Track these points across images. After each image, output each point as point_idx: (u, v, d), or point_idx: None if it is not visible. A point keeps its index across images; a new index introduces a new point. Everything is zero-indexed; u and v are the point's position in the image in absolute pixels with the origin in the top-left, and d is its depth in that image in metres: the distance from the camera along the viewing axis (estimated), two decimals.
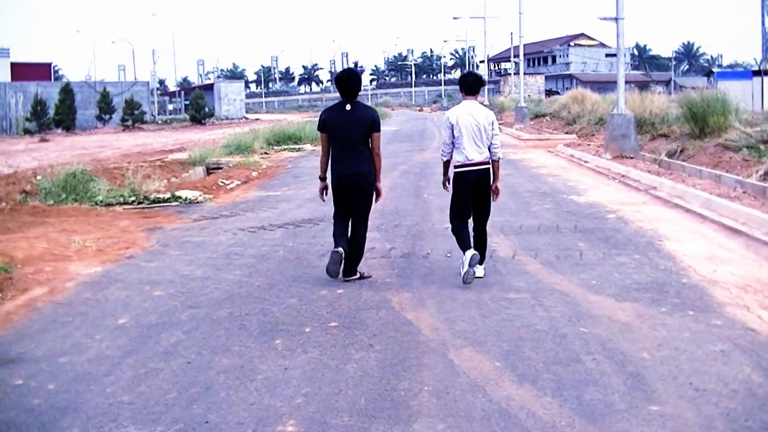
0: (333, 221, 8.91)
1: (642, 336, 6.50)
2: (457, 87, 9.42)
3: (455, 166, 8.61)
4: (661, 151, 19.95)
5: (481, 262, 8.57)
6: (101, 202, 15.07)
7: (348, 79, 8.64)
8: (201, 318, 7.30)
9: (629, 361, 5.90)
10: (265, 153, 27.70)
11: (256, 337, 6.67)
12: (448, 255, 9.90)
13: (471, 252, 8.27)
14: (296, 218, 13.24)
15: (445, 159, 8.79)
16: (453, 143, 8.58)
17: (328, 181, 8.95)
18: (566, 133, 35.25)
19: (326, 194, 9.15)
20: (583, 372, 5.67)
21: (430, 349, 6.28)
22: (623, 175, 18.02)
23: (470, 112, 8.53)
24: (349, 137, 8.53)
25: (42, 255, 10.03)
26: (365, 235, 8.92)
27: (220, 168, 22.31)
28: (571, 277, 8.59)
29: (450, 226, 8.87)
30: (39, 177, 17.14)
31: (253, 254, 10.31)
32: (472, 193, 8.63)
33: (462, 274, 8.22)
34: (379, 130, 8.68)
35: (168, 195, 15.92)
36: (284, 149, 29.93)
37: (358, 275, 8.73)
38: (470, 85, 8.77)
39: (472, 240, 8.57)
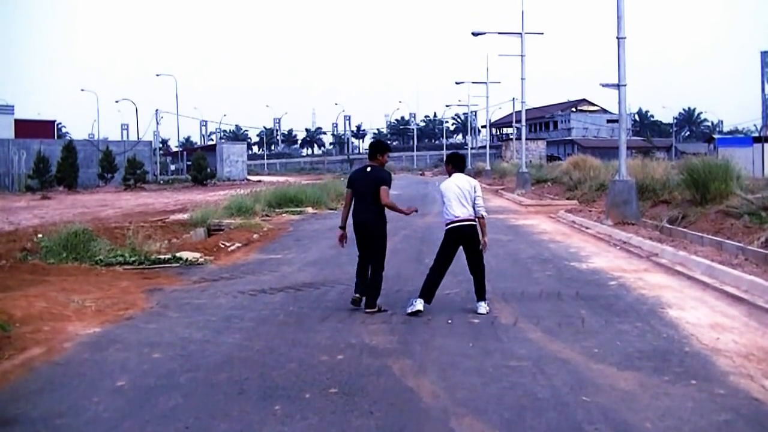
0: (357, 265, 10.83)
1: (645, 405, 6.44)
2: (459, 152, 11.19)
3: (446, 224, 10.47)
4: (663, 218, 19.97)
5: (482, 299, 10.47)
6: (102, 261, 15.03)
7: (371, 147, 11.12)
8: (200, 381, 7.24)
9: (632, 431, 5.83)
10: (267, 215, 27.67)
11: (255, 402, 6.60)
12: (449, 321, 9.85)
13: (421, 304, 10.23)
14: (297, 282, 13.20)
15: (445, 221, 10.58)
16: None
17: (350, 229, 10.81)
18: (568, 198, 35.32)
19: (345, 242, 11.07)
20: None
21: (430, 417, 6.22)
22: (625, 242, 18.01)
23: (455, 182, 10.50)
24: (362, 191, 10.57)
25: (41, 314, 9.99)
26: (380, 276, 10.56)
27: (222, 229, 22.27)
28: (572, 345, 8.54)
29: (431, 271, 10.56)
30: (40, 235, 17.13)
31: (253, 317, 10.26)
32: (460, 247, 10.46)
33: (409, 308, 10.25)
34: (386, 185, 10.52)
35: (169, 256, 15.88)
36: (285, 212, 29.90)
37: (377, 308, 10.42)
38: (454, 163, 10.85)
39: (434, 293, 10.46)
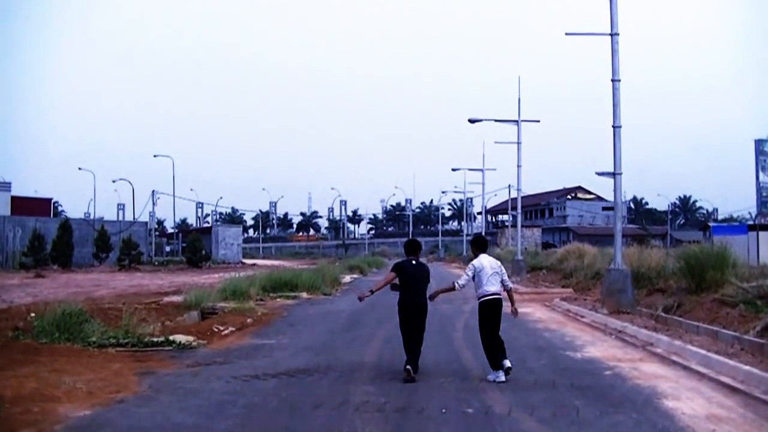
0: (402, 338, 12.51)
1: None
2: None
3: (479, 297, 12.24)
4: (658, 306, 19.91)
5: (505, 357, 12.00)
6: (94, 343, 14.94)
7: (410, 244, 13.14)
8: None
9: None
10: (261, 299, 27.53)
11: None
12: (444, 411, 9.77)
13: (501, 374, 11.71)
14: (290, 368, 13.09)
15: (457, 284, 12.28)
16: (472, 281, 12.28)
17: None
18: (563, 286, 35.28)
19: (362, 301, 13.49)
20: None
21: None
22: (620, 331, 17.96)
23: (487, 262, 12.38)
24: (414, 280, 12.43)
25: (31, 394, 9.92)
26: (421, 345, 12.34)
27: (216, 313, 22.18)
28: None
29: (484, 344, 12.14)
30: (33, 314, 17.05)
31: (245, 403, 10.16)
32: (494, 314, 12.09)
33: (498, 379, 11.68)
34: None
35: (162, 339, 15.80)
36: (280, 296, 29.78)
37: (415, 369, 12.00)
38: (483, 244, 12.98)
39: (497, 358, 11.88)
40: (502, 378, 11.66)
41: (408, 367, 11.90)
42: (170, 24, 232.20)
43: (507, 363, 11.90)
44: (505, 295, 12.56)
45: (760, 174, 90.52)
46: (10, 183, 76.40)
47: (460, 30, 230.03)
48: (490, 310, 12.12)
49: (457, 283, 12.29)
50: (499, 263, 12.56)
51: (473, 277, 12.28)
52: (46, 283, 37.01)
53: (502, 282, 12.42)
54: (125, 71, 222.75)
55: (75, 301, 17.92)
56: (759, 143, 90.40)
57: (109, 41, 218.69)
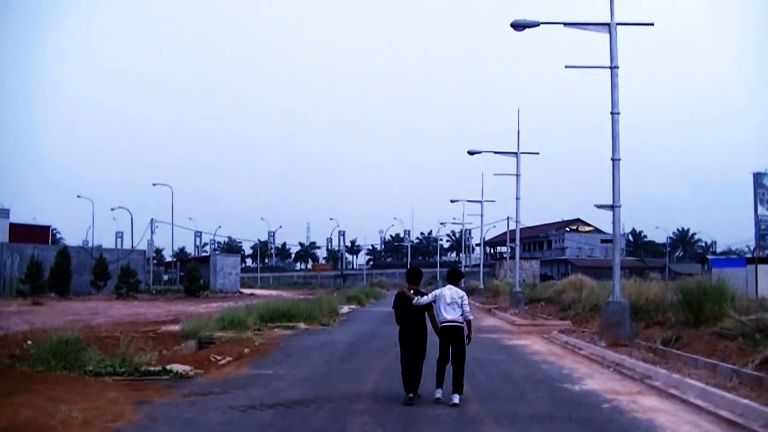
0: (401, 367, 12.92)
1: None
2: (455, 267, 12.78)
3: (439, 324, 12.87)
4: (656, 339, 19.86)
5: (458, 392, 12.39)
6: (91, 371, 14.88)
7: (411, 273, 13.83)
8: None
9: None
10: (258, 329, 27.40)
11: None
12: None
13: (440, 391, 12.50)
14: (287, 398, 13.03)
15: (416, 299, 12.93)
16: (432, 306, 13.02)
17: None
18: (561, 318, 35.13)
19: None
20: None
21: None
22: (618, 364, 17.90)
23: (448, 291, 12.99)
24: (414, 308, 12.92)
25: (27, 423, 9.87)
26: (420, 374, 12.84)
27: (213, 342, 22.11)
28: None
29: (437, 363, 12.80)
30: (29, 342, 16.99)
31: None
32: (450, 341, 12.69)
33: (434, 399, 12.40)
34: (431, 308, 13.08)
35: (159, 368, 15.74)
36: (278, 326, 29.61)
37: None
38: (452, 277, 13.59)
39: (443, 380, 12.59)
40: (439, 395, 12.47)
41: (410, 395, 12.49)
42: (170, 54, 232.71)
43: (455, 399, 12.32)
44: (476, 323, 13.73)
45: (759, 207, 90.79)
46: (8, 210, 76.33)
47: (460, 62, 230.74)
48: (445, 336, 12.79)
49: (418, 299, 12.98)
50: (461, 294, 13.08)
51: (433, 303, 13.04)
52: (44, 311, 36.91)
53: (462, 312, 12.86)
54: (125, 100, 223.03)
55: (72, 329, 17.86)
56: (757, 176, 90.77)
57: (109, 70, 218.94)
